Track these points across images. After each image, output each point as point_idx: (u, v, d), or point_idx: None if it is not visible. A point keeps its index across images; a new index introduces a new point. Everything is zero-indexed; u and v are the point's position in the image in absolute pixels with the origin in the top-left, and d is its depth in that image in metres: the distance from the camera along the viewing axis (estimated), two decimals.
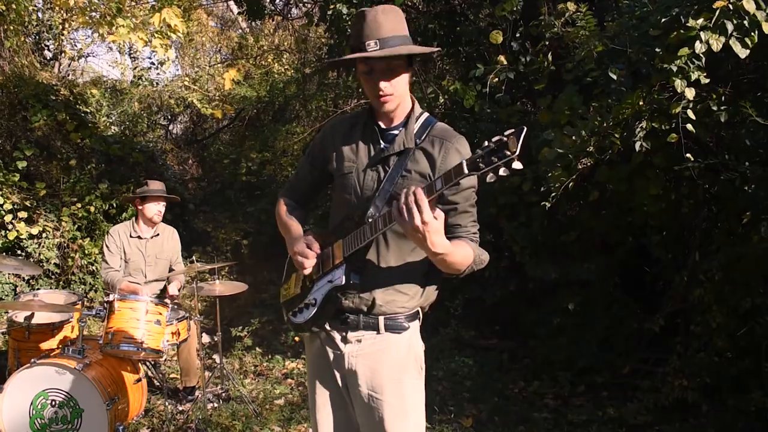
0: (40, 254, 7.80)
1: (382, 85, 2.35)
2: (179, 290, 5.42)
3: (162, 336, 4.60)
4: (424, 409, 2.57)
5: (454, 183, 2.08)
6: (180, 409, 5.25)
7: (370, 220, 2.37)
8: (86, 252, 8.05)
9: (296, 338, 6.77)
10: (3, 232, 7.59)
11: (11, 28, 9.54)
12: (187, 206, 9.31)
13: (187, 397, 5.40)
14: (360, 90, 7.93)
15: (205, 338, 6.48)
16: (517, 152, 1.94)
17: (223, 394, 5.34)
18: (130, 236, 5.46)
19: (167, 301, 4.80)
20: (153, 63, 13.81)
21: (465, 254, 2.37)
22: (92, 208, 8.13)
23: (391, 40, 2.33)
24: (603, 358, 5.52)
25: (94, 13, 6.47)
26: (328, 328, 2.55)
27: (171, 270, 5.57)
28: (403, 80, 2.42)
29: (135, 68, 14.25)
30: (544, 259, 5.71)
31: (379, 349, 2.50)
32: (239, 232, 8.84)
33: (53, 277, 8.04)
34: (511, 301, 6.32)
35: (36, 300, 4.74)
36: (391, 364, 2.50)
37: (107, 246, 5.44)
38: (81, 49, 15.29)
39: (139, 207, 5.47)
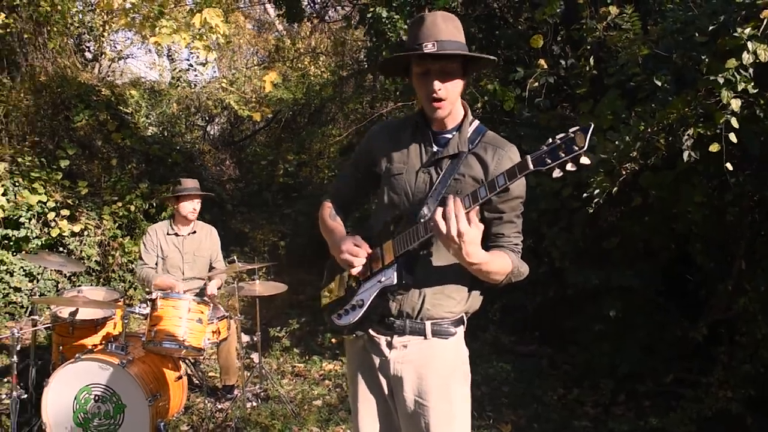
0: (81, 252, 7.91)
1: (436, 86, 2.35)
2: (219, 289, 5.47)
3: (203, 334, 4.63)
4: (470, 416, 2.55)
5: (516, 180, 2.09)
6: (219, 407, 5.29)
7: (422, 220, 2.37)
8: (126, 250, 8.15)
9: (333, 340, 6.79)
10: (46, 230, 7.71)
11: (54, 29, 9.71)
12: (225, 207, 9.40)
13: (226, 395, 5.44)
14: (398, 93, 7.93)
15: (244, 338, 6.52)
16: (585, 147, 1.97)
17: (262, 394, 5.37)
18: (167, 234, 5.53)
19: (208, 299, 4.84)
20: (191, 65, 13.99)
21: (503, 265, 2.36)
22: (132, 207, 8.25)
23: (449, 44, 2.33)
24: (645, 366, 5.44)
25: (136, 15, 6.52)
26: (372, 332, 2.54)
27: (211, 269, 5.62)
28: (457, 87, 2.41)
29: (174, 69, 14.39)
30: (584, 265, 5.65)
31: (426, 354, 2.49)
32: (276, 234, 8.90)
33: (94, 274, 8.16)
34: (551, 307, 6.26)
35: (80, 296, 4.80)
36: (438, 369, 2.49)
37: (144, 244, 5.52)
38: (120, 50, 15.54)
39: (175, 205, 5.54)
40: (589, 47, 5.66)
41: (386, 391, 2.57)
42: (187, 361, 5.28)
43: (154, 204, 8.43)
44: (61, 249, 7.92)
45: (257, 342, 5.37)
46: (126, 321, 4.61)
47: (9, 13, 9.31)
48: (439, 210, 2.13)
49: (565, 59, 6.34)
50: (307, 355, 6.45)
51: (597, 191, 4.50)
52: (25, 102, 8.47)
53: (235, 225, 9.14)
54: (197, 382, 5.55)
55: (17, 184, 7.53)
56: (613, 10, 5.40)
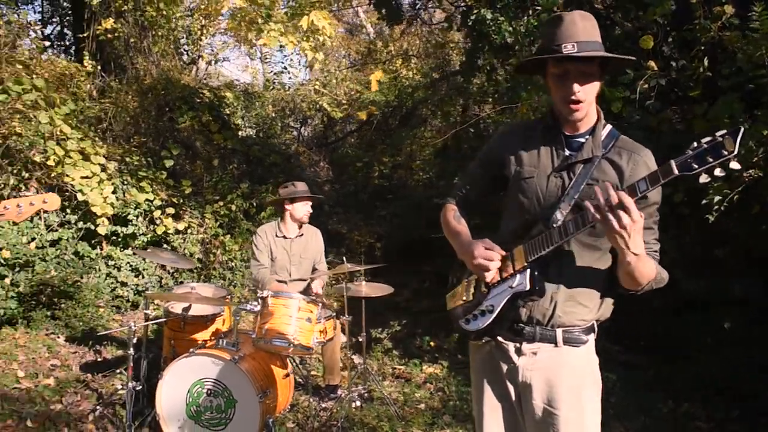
0: (184, 249, 8.15)
1: (575, 88, 2.32)
2: (322, 288, 5.54)
3: (312, 333, 4.69)
4: (600, 428, 2.50)
5: (658, 185, 2.07)
6: (323, 406, 5.35)
7: (555, 225, 2.34)
8: (227, 248, 8.35)
9: (432, 343, 6.79)
10: (152, 227, 7.97)
11: (159, 33, 10.05)
12: (323, 208, 9.52)
13: (329, 394, 5.51)
14: (496, 95, 7.88)
15: (343, 338, 6.58)
16: (735, 152, 1.91)
17: (366, 395, 5.41)
18: (276, 236, 5.62)
19: (316, 299, 4.91)
20: (285, 67, 14.26)
21: (650, 268, 2.31)
22: (233, 207, 8.46)
23: (589, 45, 2.30)
24: (762, 381, 5.22)
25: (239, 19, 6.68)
26: (500, 338, 2.52)
27: (314, 270, 5.70)
28: (595, 89, 2.38)
29: (270, 72, 14.67)
30: (696, 273, 5.46)
31: (556, 362, 2.45)
32: (372, 235, 8.96)
33: (195, 271, 8.39)
34: (659, 317, 6.08)
35: (193, 293, 4.94)
36: (569, 378, 2.45)
37: (255, 245, 5.63)
38: (217, 53, 15.96)
39: (288, 207, 5.62)
40: (702, 48, 5.47)
41: (513, 398, 2.55)
42: (292, 359, 5.37)
43: (254, 204, 8.62)
44: (165, 246, 8.17)
45: (362, 343, 5.41)
46: (238, 318, 4.71)
47: (117, 18, 9.69)
48: (604, 198, 2.09)
49: (676, 60, 6.15)
50: (407, 358, 6.46)
51: (717, 198, 4.34)
52: (132, 104, 8.79)
53: (332, 226, 9.25)
54: (300, 380, 5.64)
55: (126, 182, 7.81)
56: (728, 9, 5.21)
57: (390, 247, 8.67)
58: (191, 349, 4.57)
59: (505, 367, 2.53)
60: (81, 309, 7.03)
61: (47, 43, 8.18)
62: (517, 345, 2.49)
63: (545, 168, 2.46)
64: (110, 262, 7.78)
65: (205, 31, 14.36)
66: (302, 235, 5.65)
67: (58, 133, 7.22)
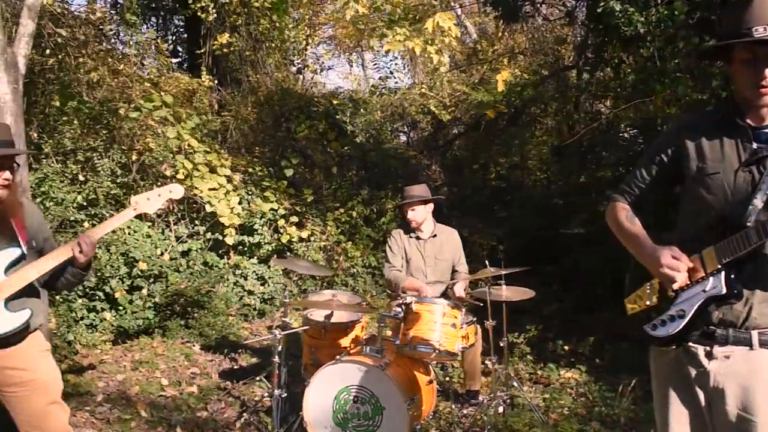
0: (308, 257, 8.24)
1: (767, 73, 2.17)
2: (465, 292, 5.46)
3: (457, 339, 4.62)
4: None
5: None
6: (464, 412, 5.27)
7: (749, 224, 2.18)
8: (349, 255, 8.39)
9: (566, 347, 6.60)
10: (276, 236, 8.10)
11: (273, 45, 10.25)
12: (441, 211, 9.46)
13: (470, 400, 5.42)
14: (618, 89, 7.61)
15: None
16: None
17: (508, 400, 5.28)
18: (410, 237, 5.59)
19: (458, 303, 4.83)
20: (391, 72, 14.30)
21: None
22: (354, 213, 8.51)
23: None
24: None
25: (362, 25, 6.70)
26: (689, 343, 2.37)
27: (455, 272, 5.62)
28: None
29: (375, 78, 14.73)
30: None
31: (752, 366, 2.27)
32: (493, 237, 8.83)
33: (317, 278, 8.47)
34: None
35: (335, 300, 4.95)
36: (767, 382, 2.28)
37: (389, 247, 5.62)
38: (322, 62, 16.19)
39: (406, 211, 5.59)
40: None
41: (703, 404, 2.39)
42: (434, 365, 5.30)
43: (375, 210, 8.65)
44: (288, 254, 8.29)
45: (503, 348, 5.30)
46: (382, 325, 4.69)
47: (231, 32, 9.94)
48: None
49: None
50: (542, 362, 6.30)
51: None
52: (251, 116, 8.98)
53: None
54: (438, 387, 5.57)
55: (250, 193, 7.96)
56: None
57: (512, 249, 8.51)
58: (337, 357, 4.57)
59: (693, 372, 2.38)
60: (212, 318, 7.19)
61: (174, 60, 8.42)
62: (708, 349, 2.33)
63: (731, 162, 2.30)
64: (237, 271, 7.94)
65: (310, 41, 14.61)
66: (436, 235, 5.59)
67: (186, 147, 7.43)
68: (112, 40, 8.33)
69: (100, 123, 7.20)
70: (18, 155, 3.20)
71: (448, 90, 13.98)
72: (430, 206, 5.59)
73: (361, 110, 12.51)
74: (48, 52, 7.18)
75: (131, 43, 7.93)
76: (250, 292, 7.96)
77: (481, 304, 5.16)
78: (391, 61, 15.77)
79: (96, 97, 7.32)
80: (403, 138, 13.58)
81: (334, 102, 11.40)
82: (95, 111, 7.21)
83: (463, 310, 4.77)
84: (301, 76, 14.50)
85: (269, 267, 8.08)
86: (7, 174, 2.98)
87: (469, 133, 13.23)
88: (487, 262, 5.12)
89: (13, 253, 3.03)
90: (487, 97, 12.65)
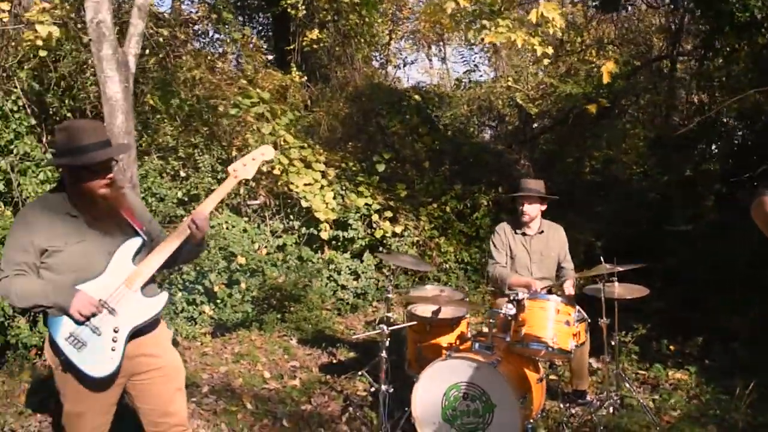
0: (401, 252, 8.20)
1: None
2: (573, 289, 5.31)
3: (569, 337, 4.50)
4: None
5: None
6: (572, 412, 5.14)
7: None
8: (442, 250, 8.32)
9: (671, 347, 6.39)
10: (370, 231, 8.09)
11: (362, 40, 10.25)
12: None
13: (577, 400, 5.28)
14: (725, 79, 7.30)
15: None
16: None
17: (617, 401, 5.12)
18: (515, 233, 5.47)
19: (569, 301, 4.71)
20: (476, 65, 14.15)
21: None
22: (447, 208, 8.43)
23: None
24: None
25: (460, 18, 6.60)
26: None
27: (560, 268, 5.49)
28: None
29: (464, 71, 14.60)
30: None
31: None
32: (591, 233, 8.60)
33: (410, 273, 8.43)
34: None
35: (443, 295, 4.89)
36: None
37: (493, 243, 5.52)
38: (405, 57, 16.19)
39: (520, 207, 5.46)
40: None
41: None
42: (543, 363, 5.18)
43: (468, 204, 8.55)
44: (380, 249, 8.27)
45: (615, 346, 5.15)
46: (492, 321, 4.61)
47: (320, 29, 9.98)
48: None
49: None
50: (647, 362, 6.11)
51: None
52: (343, 111, 9.00)
53: None
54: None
55: (345, 187, 7.98)
56: None
57: (610, 245, 8.28)
58: (447, 353, 4.52)
59: None
60: (308, 312, 7.23)
61: (270, 58, 8.51)
62: None
63: None
64: (330, 266, 7.97)
65: (393, 36, 14.60)
66: (542, 231, 5.46)
67: (282, 143, 7.49)
68: (210, 39, 8.50)
69: (200, 120, 7.33)
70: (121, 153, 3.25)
71: (533, 83, 13.76)
72: (544, 205, 5.47)
73: (445, 104, 12.44)
74: (148, 51, 7.32)
75: (228, 40, 8.05)
76: (344, 287, 7.97)
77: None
78: (476, 54, 15.57)
79: (196, 95, 7.44)
80: (490, 132, 13.39)
81: (424, 97, 11.35)
82: (195, 108, 7.34)
83: (576, 307, 4.64)
84: (383, 71, 14.51)
85: (362, 262, 8.08)
86: (109, 174, 3.02)
87: (557, 126, 12.97)
88: (602, 258, 4.96)
89: (136, 242, 3.09)
90: (576, 90, 12.38)
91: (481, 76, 14.45)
